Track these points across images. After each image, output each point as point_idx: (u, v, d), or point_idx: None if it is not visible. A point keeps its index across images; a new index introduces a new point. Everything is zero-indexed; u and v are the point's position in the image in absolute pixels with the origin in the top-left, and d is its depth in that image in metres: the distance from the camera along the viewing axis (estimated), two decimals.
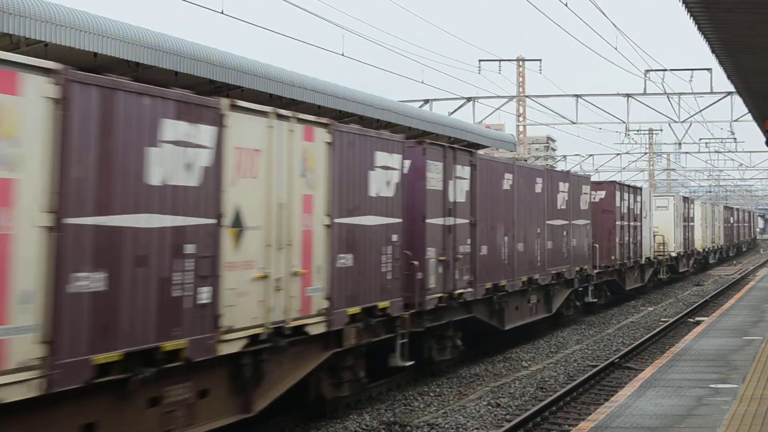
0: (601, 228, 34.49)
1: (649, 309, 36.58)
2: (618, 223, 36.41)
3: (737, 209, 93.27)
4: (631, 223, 38.97)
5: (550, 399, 17.39)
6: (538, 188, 26.30)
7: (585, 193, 30.98)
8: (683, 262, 54.22)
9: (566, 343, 26.36)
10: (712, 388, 14.60)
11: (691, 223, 56.38)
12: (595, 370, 20.68)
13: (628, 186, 39.48)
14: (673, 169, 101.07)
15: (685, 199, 55.85)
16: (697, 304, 36.12)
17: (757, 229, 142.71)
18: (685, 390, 14.49)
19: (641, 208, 41.09)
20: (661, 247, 47.37)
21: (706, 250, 64.34)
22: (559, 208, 28.17)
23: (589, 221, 31.22)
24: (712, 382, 15.21)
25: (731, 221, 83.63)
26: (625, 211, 37.77)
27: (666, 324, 29.65)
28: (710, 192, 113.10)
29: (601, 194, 35.37)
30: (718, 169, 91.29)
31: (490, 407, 17.16)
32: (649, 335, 26.83)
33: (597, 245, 32.69)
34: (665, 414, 12.69)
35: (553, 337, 27.39)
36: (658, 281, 47.33)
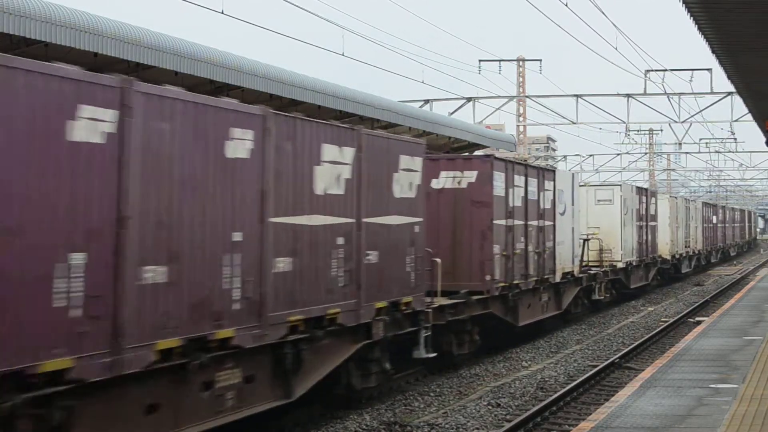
0: (468, 229, 22.11)
1: (650, 309, 36.58)
2: (500, 222, 22.94)
3: (723, 207, 79.77)
4: (532, 222, 25.50)
5: (550, 399, 17.39)
6: (237, 150, 12.80)
7: (412, 171, 17.96)
8: (638, 274, 40.93)
9: (566, 343, 26.36)
10: (712, 388, 14.60)
11: (651, 223, 44.00)
12: (595, 370, 20.68)
13: (525, 165, 26.11)
14: (674, 170, 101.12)
15: (641, 191, 42.77)
16: (697, 304, 36.13)
17: (758, 230, 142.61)
18: (686, 390, 14.49)
19: (555, 200, 27.79)
20: (602, 255, 35.70)
21: (678, 256, 51.36)
22: (318, 193, 14.69)
23: (419, 219, 18.13)
24: (713, 382, 15.21)
25: (714, 221, 69.31)
26: (518, 203, 24.45)
27: (666, 324, 29.65)
28: (710, 192, 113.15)
29: (470, 176, 22.24)
30: (719, 169, 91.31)
31: (490, 407, 17.17)
32: (649, 335, 26.84)
33: (439, 259, 19.79)
34: (665, 414, 12.69)
35: (553, 337, 27.38)
36: (593, 305, 33.92)
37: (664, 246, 47.52)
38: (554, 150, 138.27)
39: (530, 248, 25.31)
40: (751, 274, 57.13)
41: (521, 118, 55.27)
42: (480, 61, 48.16)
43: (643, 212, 42.08)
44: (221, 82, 19.77)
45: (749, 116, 32.01)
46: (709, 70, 42.51)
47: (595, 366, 21.61)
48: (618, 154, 75.47)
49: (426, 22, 45.50)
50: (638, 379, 15.61)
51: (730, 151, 72.83)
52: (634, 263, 39.57)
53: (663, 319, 32.11)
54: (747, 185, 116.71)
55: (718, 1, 13.87)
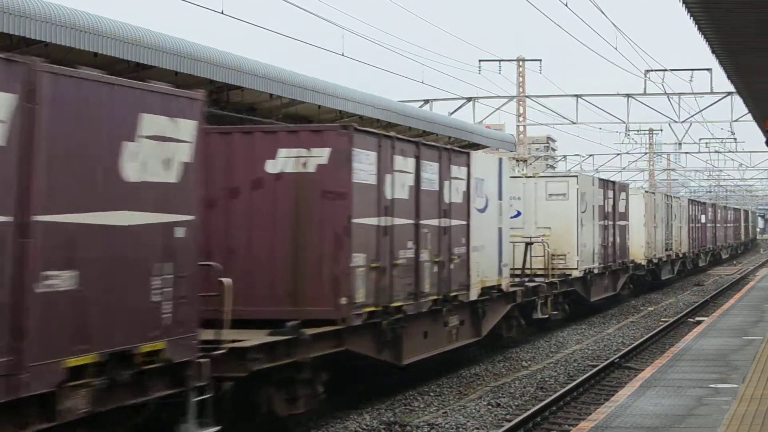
0: (317, 232, 15.55)
1: (650, 309, 36.59)
2: (366, 221, 16.18)
3: (713, 205, 72.20)
4: (429, 222, 18.53)
5: (550, 399, 17.40)
6: None
7: (171, 140, 11.43)
8: (602, 284, 33.92)
9: (566, 343, 26.36)
10: (712, 388, 14.61)
11: (621, 222, 36.76)
12: (595, 370, 20.69)
13: (416, 143, 18.52)
14: (673, 169, 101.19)
15: (607, 185, 35.56)
16: (697, 304, 36.14)
17: (758, 229, 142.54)
18: (685, 390, 14.49)
19: (471, 192, 20.67)
20: (553, 262, 28.88)
21: (656, 261, 44.96)
22: None
23: (185, 216, 11.65)
24: (712, 381, 15.21)
25: (702, 220, 62.47)
26: (403, 195, 17.55)
27: (666, 324, 29.66)
28: (710, 192, 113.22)
29: (320, 156, 15.70)
30: (718, 169, 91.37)
31: (490, 407, 17.17)
32: (649, 335, 26.85)
33: (229, 279, 12.58)
34: (665, 414, 12.70)
35: (552, 337, 27.38)
36: (536, 325, 27.12)
37: (638, 249, 41.16)
38: (554, 150, 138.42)
39: (424, 257, 18.25)
40: (751, 274, 57.14)
41: (521, 118, 55.32)
42: (480, 61, 48.26)
43: (610, 209, 34.99)
44: (221, 82, 19.79)
45: (749, 116, 32.05)
46: (709, 70, 42.60)
47: (595, 366, 21.62)
48: (618, 154, 75.59)
49: (426, 22, 45.58)
50: (638, 379, 15.61)
51: (730, 151, 72.91)
52: (596, 271, 32.52)
53: (663, 319, 32.12)
54: (747, 185, 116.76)
55: (718, 1, 13.88)
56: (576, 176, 31.63)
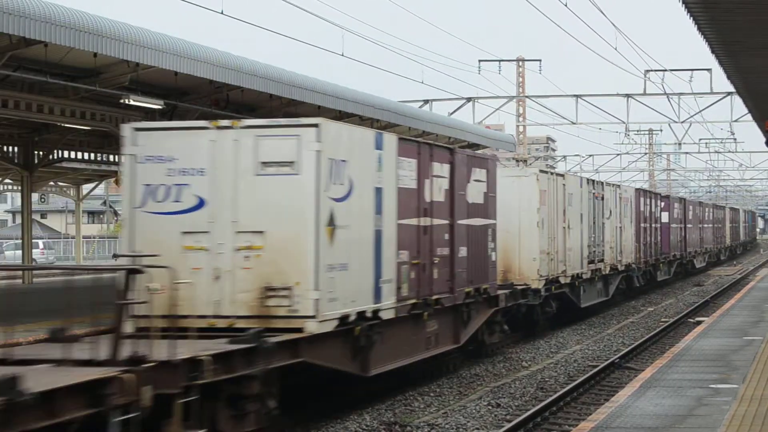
0: None
1: (650, 309, 36.59)
2: None
3: (683, 199, 57.08)
4: None
5: (550, 399, 17.40)
6: None
7: None
8: (412, 338, 17.95)
9: (566, 344, 26.36)
10: (712, 389, 14.59)
11: (478, 221, 20.87)
12: (595, 370, 20.68)
13: None
14: (673, 170, 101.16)
15: (427, 150, 18.38)
16: (697, 304, 36.14)
17: (757, 230, 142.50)
18: (686, 390, 14.48)
19: None
20: (268, 302, 14.26)
21: (568, 281, 29.07)
22: None
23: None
24: (713, 382, 15.20)
25: (664, 219, 47.14)
26: None
27: (666, 324, 29.66)
28: (710, 192, 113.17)
29: None
30: (718, 170, 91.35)
31: (490, 407, 17.17)
32: (649, 335, 26.85)
33: None
34: (665, 414, 12.69)
35: (553, 338, 27.38)
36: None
37: (529, 264, 26.04)
38: (554, 150, 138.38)
39: None
40: (751, 274, 57.13)
41: (521, 118, 55.31)
42: (480, 61, 48.29)
43: (440, 198, 19.01)
44: (221, 82, 19.78)
45: (749, 116, 32.08)
46: (709, 70, 42.65)
47: (595, 366, 21.62)
48: (618, 155, 75.59)
49: (426, 22, 45.61)
50: (638, 380, 15.60)
51: (729, 151, 72.91)
52: (389, 314, 16.76)
53: (663, 320, 32.11)
54: (747, 185, 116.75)
55: (718, 1, 13.89)
56: (316, 125, 14.67)
